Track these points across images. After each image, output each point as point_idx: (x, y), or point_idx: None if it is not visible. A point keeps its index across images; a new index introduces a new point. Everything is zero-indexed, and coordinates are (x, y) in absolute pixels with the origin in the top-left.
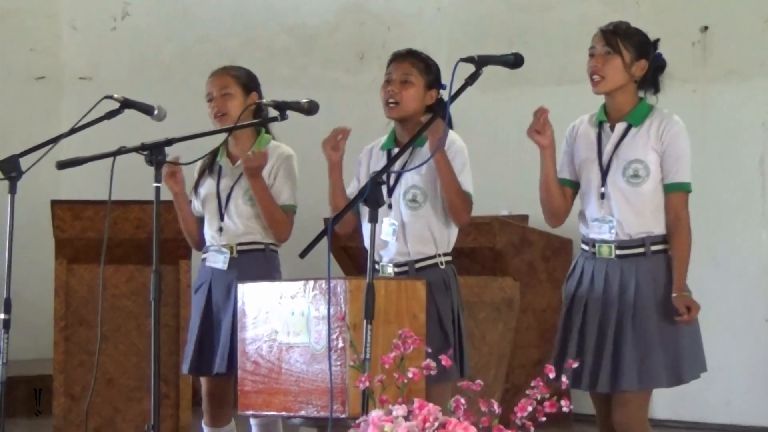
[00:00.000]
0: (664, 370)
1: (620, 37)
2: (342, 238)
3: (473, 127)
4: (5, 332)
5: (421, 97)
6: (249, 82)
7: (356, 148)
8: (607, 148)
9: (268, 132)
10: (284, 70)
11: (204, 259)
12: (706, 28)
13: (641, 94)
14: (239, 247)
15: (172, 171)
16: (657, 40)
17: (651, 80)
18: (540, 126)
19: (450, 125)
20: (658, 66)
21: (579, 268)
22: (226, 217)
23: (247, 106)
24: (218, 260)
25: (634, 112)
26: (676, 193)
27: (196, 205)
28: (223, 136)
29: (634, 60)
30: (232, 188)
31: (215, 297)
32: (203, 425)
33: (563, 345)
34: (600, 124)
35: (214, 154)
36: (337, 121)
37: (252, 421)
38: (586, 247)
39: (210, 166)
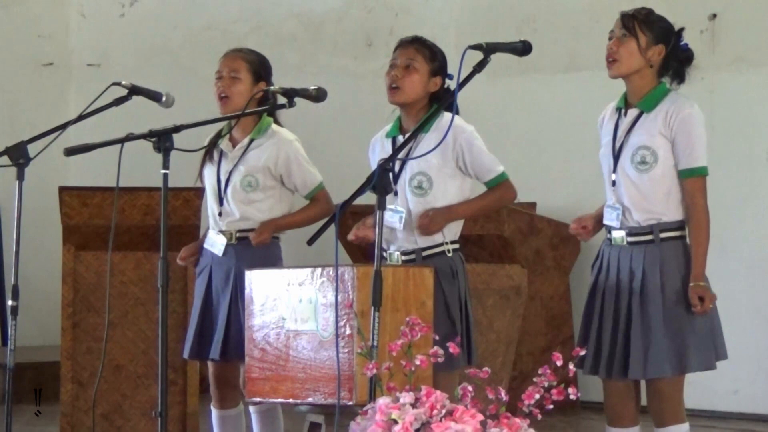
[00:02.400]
0: (668, 358)
1: (638, 21)
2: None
3: (481, 114)
4: (13, 319)
5: (425, 83)
6: (260, 70)
7: (364, 135)
8: (619, 135)
9: (270, 115)
10: (292, 57)
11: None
12: (714, 15)
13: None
14: (239, 234)
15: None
16: (681, 30)
17: (676, 70)
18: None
19: (457, 111)
20: (684, 57)
21: (601, 255)
22: (224, 202)
23: (253, 95)
24: (215, 245)
25: (648, 97)
26: (689, 179)
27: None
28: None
29: (650, 44)
30: (230, 172)
31: (215, 282)
32: (212, 407)
33: (583, 333)
34: (619, 111)
35: (215, 139)
36: (345, 108)
37: (251, 408)
38: (608, 235)
39: (210, 152)
